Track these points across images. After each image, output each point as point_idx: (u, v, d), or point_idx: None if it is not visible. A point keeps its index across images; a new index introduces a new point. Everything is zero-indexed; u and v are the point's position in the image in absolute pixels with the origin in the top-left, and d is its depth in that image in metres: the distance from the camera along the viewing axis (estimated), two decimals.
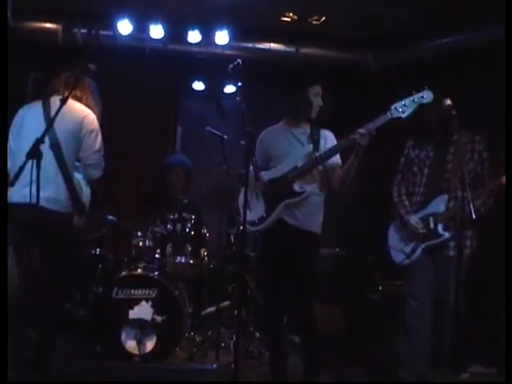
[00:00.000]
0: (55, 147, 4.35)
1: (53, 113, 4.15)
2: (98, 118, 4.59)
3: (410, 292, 4.96)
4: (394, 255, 5.00)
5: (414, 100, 4.21)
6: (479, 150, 4.76)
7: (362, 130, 4.21)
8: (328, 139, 4.55)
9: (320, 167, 4.51)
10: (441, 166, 4.83)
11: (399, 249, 4.95)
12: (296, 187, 4.47)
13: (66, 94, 4.22)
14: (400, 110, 4.19)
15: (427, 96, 4.22)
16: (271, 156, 4.63)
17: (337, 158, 4.51)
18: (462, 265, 4.49)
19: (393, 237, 5.02)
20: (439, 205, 4.76)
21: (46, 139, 4.02)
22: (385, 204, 5.21)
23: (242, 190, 4.28)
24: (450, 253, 4.74)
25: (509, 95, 4.35)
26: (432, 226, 4.76)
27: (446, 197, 4.74)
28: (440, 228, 4.74)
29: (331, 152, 4.41)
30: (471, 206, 3.94)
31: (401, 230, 4.95)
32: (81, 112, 4.52)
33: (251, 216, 4.53)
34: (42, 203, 4.06)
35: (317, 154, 4.45)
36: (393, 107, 4.21)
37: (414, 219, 4.84)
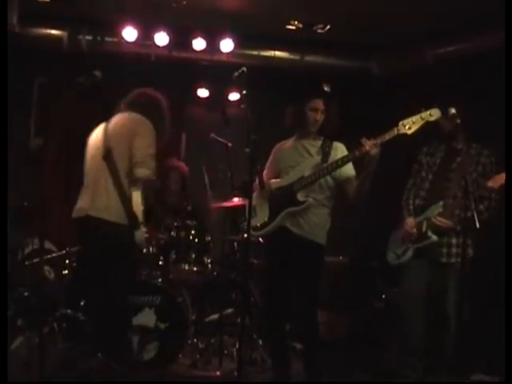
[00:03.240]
0: (107, 155, 4.34)
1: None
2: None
3: (403, 294, 5.15)
4: (388, 256, 5.16)
5: (421, 117, 4.25)
6: (484, 163, 4.81)
7: (367, 142, 4.23)
8: (338, 151, 4.56)
9: (329, 178, 4.52)
10: (444, 174, 4.91)
11: (392, 249, 5.10)
12: (299, 197, 4.49)
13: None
14: (407, 126, 4.22)
15: (435, 114, 4.27)
16: (282, 167, 4.68)
17: (350, 170, 4.52)
18: (459, 272, 4.58)
19: (392, 239, 5.17)
20: (434, 211, 4.82)
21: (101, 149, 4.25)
22: (389, 211, 5.23)
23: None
24: (443, 259, 4.83)
25: (509, 98, 4.36)
26: (424, 229, 4.83)
27: (440, 203, 4.80)
28: (429, 232, 4.80)
29: (337, 164, 4.42)
30: (475, 216, 3.95)
31: (399, 232, 5.04)
32: (134, 119, 4.53)
33: (255, 221, 4.63)
34: (92, 212, 4.27)
35: (324, 166, 4.47)
36: (400, 123, 4.24)
37: (410, 220, 4.95)
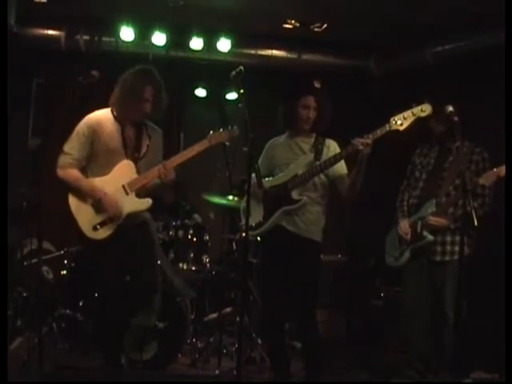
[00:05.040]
0: None
1: None
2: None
3: (403, 295, 5.15)
4: (386, 258, 5.16)
5: (412, 113, 4.24)
6: (476, 161, 4.83)
7: (360, 140, 4.23)
8: (331, 148, 4.57)
9: (322, 176, 4.53)
10: (438, 173, 4.92)
11: (390, 252, 5.10)
12: (294, 195, 4.50)
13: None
14: (399, 122, 4.22)
15: (426, 109, 4.26)
16: (275, 165, 4.66)
17: (342, 168, 4.52)
18: (455, 270, 4.59)
19: (389, 241, 5.17)
20: (427, 209, 4.82)
21: None
22: (387, 210, 5.24)
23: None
24: (437, 258, 4.84)
25: (509, 100, 4.36)
26: (419, 229, 4.83)
27: (433, 201, 4.80)
28: (425, 231, 4.81)
29: (331, 162, 4.43)
30: (473, 215, 3.96)
31: (395, 234, 5.04)
32: None
33: (250, 221, 4.56)
34: None
35: (317, 163, 4.47)
36: (392, 119, 4.24)
37: (404, 223, 4.95)
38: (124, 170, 4.53)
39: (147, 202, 4.58)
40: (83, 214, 4.44)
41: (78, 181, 4.46)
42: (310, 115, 4.56)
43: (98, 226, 4.43)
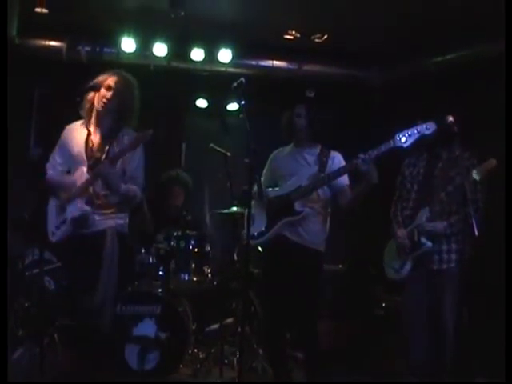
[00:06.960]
0: None
1: None
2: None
3: (404, 304, 5.11)
4: (386, 271, 5.08)
5: (417, 130, 4.26)
6: (467, 166, 4.80)
7: (363, 156, 4.25)
8: (335, 160, 4.59)
9: (325, 187, 4.55)
10: (429, 181, 4.90)
11: (389, 264, 5.04)
12: (297, 206, 4.51)
13: None
14: (403, 139, 4.24)
15: (430, 127, 4.27)
16: (280, 175, 4.70)
17: (345, 180, 4.55)
18: (453, 278, 4.58)
19: (387, 254, 5.11)
20: (422, 217, 4.81)
21: None
22: (387, 219, 5.25)
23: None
24: (434, 266, 4.81)
25: (509, 106, 4.37)
26: (416, 237, 4.82)
27: (427, 209, 4.80)
28: (422, 238, 4.80)
29: (334, 175, 4.46)
30: (473, 223, 3.96)
31: (393, 246, 5.03)
32: None
33: (252, 230, 4.59)
34: None
35: (321, 175, 4.49)
36: (396, 136, 4.26)
37: (400, 231, 4.90)
38: (79, 177, 4.41)
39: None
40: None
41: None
42: (301, 123, 4.60)
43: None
